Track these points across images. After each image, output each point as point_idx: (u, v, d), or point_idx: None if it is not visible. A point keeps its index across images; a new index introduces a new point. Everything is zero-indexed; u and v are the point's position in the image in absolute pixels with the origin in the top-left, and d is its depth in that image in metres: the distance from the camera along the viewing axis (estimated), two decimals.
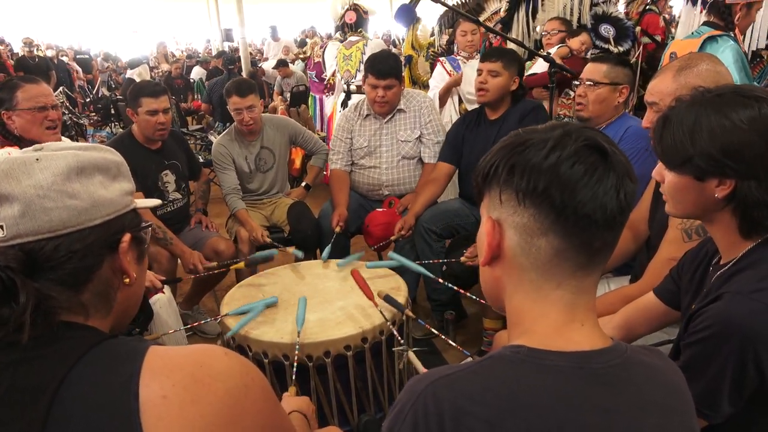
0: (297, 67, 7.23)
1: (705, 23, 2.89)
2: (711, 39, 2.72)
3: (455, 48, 3.78)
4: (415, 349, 1.55)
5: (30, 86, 2.01)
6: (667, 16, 4.73)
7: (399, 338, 1.65)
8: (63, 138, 2.44)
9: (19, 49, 9.47)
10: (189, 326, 2.00)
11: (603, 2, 3.88)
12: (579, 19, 3.85)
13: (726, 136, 0.91)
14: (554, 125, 0.68)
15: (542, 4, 3.97)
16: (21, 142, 2.00)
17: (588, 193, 0.62)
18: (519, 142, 0.66)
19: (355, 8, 4.17)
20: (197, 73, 9.64)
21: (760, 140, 0.90)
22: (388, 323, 1.67)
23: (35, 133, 2.01)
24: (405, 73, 3.96)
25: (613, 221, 0.64)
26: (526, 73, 2.97)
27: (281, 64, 7.05)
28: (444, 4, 2.66)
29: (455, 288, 1.94)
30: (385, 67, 2.61)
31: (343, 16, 4.21)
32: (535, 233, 0.65)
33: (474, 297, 1.88)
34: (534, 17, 3.98)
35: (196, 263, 2.43)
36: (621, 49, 3.82)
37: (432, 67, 4.07)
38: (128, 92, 2.59)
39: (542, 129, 0.68)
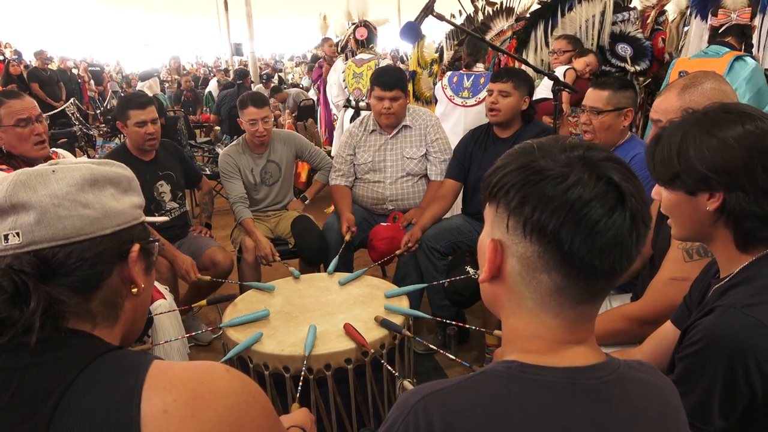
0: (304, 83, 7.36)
1: (719, 43, 2.89)
2: (739, 59, 2.71)
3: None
4: (409, 380, 1.56)
5: (12, 102, 2.01)
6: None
7: (393, 371, 1.65)
8: (66, 153, 2.48)
9: (31, 61, 9.60)
10: (183, 337, 2.00)
11: (621, 21, 3.90)
12: (598, 38, 3.86)
13: (709, 151, 0.95)
14: (573, 146, 0.65)
15: (561, 22, 3.97)
16: (11, 159, 2.00)
17: (600, 240, 0.61)
18: (535, 169, 0.63)
19: (365, 24, 4.21)
20: (214, 86, 9.70)
21: (742, 153, 0.93)
22: (381, 356, 1.68)
23: (23, 149, 2.01)
24: (409, 87, 3.98)
25: (620, 270, 0.64)
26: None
27: (275, 91, 7.23)
28: (450, 23, 2.70)
29: (453, 323, 2.01)
30: (391, 79, 2.66)
31: (354, 32, 4.24)
32: (537, 269, 0.64)
33: (472, 327, 1.89)
34: (553, 34, 3.98)
35: (188, 269, 2.45)
36: (638, 68, 3.83)
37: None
38: (116, 106, 2.62)
39: (560, 155, 0.64)
